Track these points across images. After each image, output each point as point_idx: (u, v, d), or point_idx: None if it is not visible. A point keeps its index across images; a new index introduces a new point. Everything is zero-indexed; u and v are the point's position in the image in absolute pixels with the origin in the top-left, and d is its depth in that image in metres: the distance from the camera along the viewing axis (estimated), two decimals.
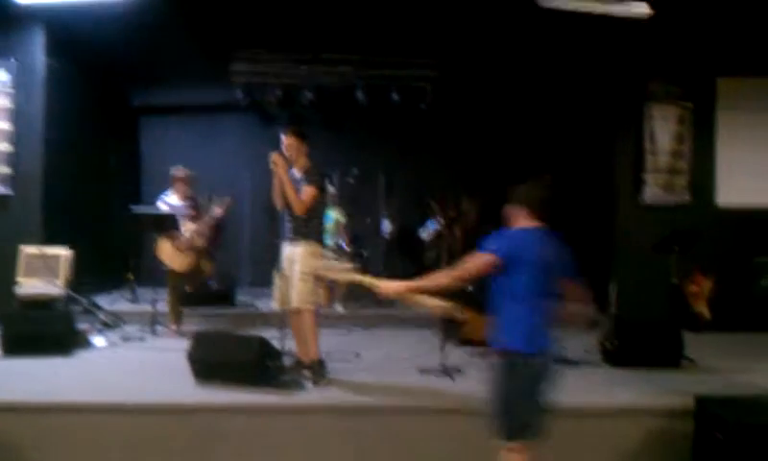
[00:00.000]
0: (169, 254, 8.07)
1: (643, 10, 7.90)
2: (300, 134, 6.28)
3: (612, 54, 9.31)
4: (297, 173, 6.19)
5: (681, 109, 9.31)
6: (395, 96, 10.45)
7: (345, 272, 4.15)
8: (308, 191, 6.08)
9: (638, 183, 9.19)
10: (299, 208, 6.06)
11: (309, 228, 6.15)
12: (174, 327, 8.06)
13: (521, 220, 4.12)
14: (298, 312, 6.08)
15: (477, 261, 3.91)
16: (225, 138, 11.56)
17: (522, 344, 3.89)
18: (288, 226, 6.23)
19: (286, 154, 6.17)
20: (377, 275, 10.00)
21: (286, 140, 6.21)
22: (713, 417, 4.96)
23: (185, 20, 8.91)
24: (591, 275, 9.23)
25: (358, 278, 4.08)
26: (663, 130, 9.30)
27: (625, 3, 7.90)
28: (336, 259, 4.12)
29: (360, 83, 10.48)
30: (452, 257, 7.63)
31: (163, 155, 11.03)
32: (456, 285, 3.94)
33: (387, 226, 10.48)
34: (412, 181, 11.17)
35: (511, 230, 4.09)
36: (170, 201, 8.23)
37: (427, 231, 9.96)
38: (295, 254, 6.11)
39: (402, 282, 3.96)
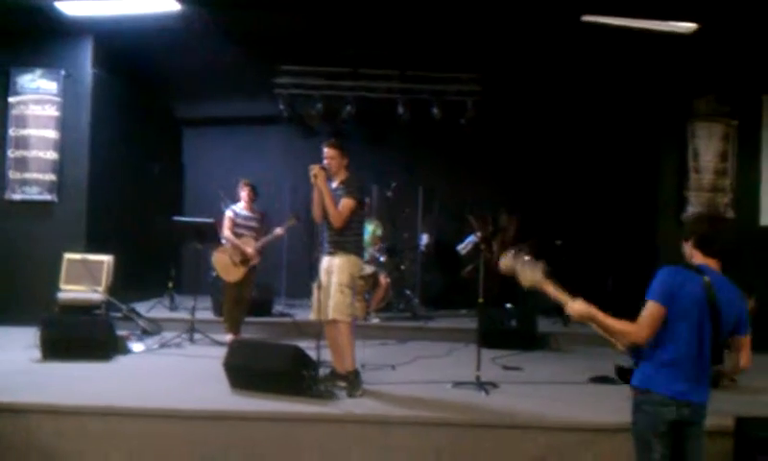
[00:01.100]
0: (224, 266, 8.16)
1: (688, 26, 7.83)
2: (341, 147, 6.27)
3: (656, 70, 9.21)
4: (336, 185, 6.19)
5: (725, 126, 9.19)
6: (435, 111, 10.46)
7: (535, 275, 4.04)
8: (346, 203, 6.07)
9: (681, 201, 9.07)
10: (336, 220, 6.04)
11: (347, 240, 6.14)
12: (230, 335, 8.09)
13: (696, 257, 3.87)
14: (334, 323, 6.07)
15: (647, 315, 3.66)
16: (266, 151, 11.68)
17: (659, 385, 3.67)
18: (326, 238, 6.22)
19: (327, 166, 6.17)
20: (413, 288, 10.10)
21: (327, 152, 6.22)
22: (753, 438, 4.86)
23: (230, 33, 9.04)
24: (633, 291, 9.18)
25: (550, 287, 3.99)
26: (708, 147, 9.18)
27: (668, 19, 7.84)
28: (531, 261, 4.02)
29: (401, 97, 10.51)
30: (489, 273, 7.59)
31: (206, 165, 11.21)
32: (632, 340, 3.71)
33: (425, 239, 10.48)
34: (450, 195, 11.17)
35: (672, 267, 3.79)
36: (237, 209, 8.33)
37: (465, 246, 9.94)
38: (333, 266, 6.10)
39: (589, 307, 3.84)
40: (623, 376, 3.72)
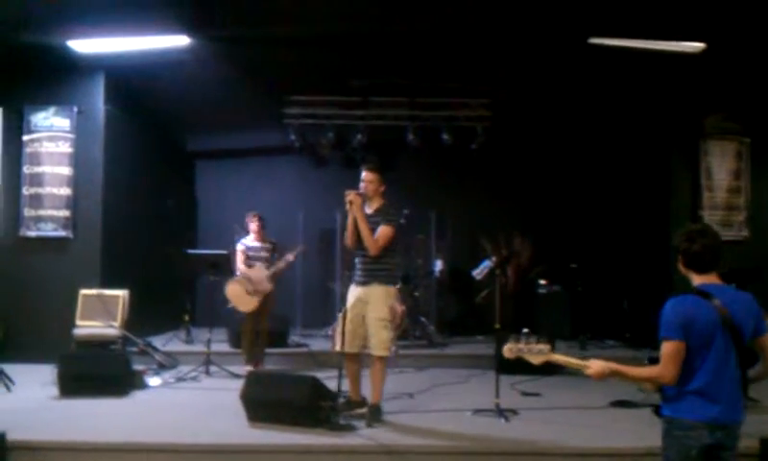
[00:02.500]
0: (238, 296, 8.17)
1: (695, 46, 7.83)
2: (381, 171, 6.20)
3: (667, 90, 9.21)
4: (371, 212, 6.12)
5: (738, 144, 9.17)
6: (445, 137, 10.48)
7: (542, 354, 3.99)
8: (384, 231, 6.00)
9: (696, 220, 9.02)
10: (373, 248, 5.97)
11: (382, 268, 6.08)
12: (248, 366, 8.06)
13: (693, 277, 3.67)
14: (378, 359, 6.00)
15: (668, 355, 3.51)
16: (278, 181, 11.74)
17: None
18: (360, 266, 6.13)
19: (364, 190, 6.11)
20: (428, 315, 10.05)
21: (366, 176, 6.14)
22: None
23: (240, 66, 9.11)
24: (648, 312, 9.11)
25: (561, 358, 3.92)
26: (720, 166, 9.16)
27: (676, 39, 7.85)
28: (533, 341, 3.96)
29: (411, 124, 10.54)
30: (504, 297, 7.57)
31: (219, 197, 11.25)
32: (661, 383, 3.59)
33: (438, 265, 10.45)
34: (463, 220, 11.15)
35: (678, 297, 3.61)
36: (247, 242, 8.37)
37: (480, 271, 9.89)
38: (369, 297, 6.02)
39: (608, 364, 3.76)
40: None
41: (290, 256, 8.46)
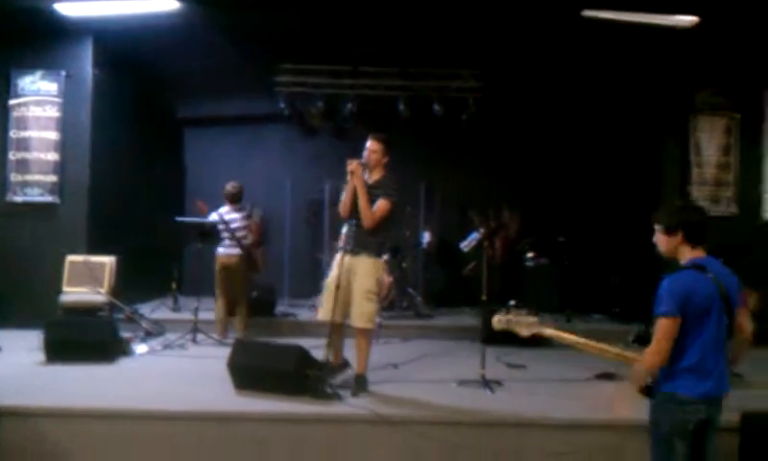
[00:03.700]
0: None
1: (688, 20, 7.81)
2: (387, 143, 6.16)
3: (658, 64, 9.19)
4: (371, 182, 6.08)
5: (728, 120, 9.17)
6: (436, 108, 10.44)
7: (531, 326, 3.97)
8: (382, 205, 5.97)
9: (684, 195, 9.05)
10: (368, 220, 5.94)
11: (374, 241, 6.05)
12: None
13: (685, 252, 3.70)
14: (361, 331, 6.01)
15: (664, 332, 3.52)
16: (267, 149, 11.68)
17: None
18: (350, 235, 6.07)
19: (366, 160, 6.08)
20: (415, 286, 10.07)
21: (371, 145, 6.10)
22: (760, 432, 4.84)
23: (230, 33, 9.03)
24: (635, 287, 9.18)
25: (551, 332, 3.91)
26: (710, 141, 9.17)
27: (669, 13, 7.82)
28: (521, 314, 3.93)
29: (402, 94, 10.49)
30: (491, 270, 7.58)
31: (207, 165, 11.21)
32: (657, 366, 3.60)
33: (426, 237, 10.45)
34: (452, 192, 11.15)
35: (675, 274, 3.62)
36: (223, 212, 8.32)
37: (468, 243, 9.91)
38: (357, 268, 6.00)
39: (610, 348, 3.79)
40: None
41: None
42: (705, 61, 9.04)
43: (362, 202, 5.93)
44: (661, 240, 3.76)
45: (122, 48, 9.26)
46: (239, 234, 8.22)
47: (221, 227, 8.19)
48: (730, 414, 5.16)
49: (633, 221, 9.85)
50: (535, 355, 7.80)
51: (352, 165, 5.95)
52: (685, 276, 3.59)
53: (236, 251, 8.19)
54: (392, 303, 9.54)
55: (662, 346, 3.52)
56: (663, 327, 3.52)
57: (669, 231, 3.71)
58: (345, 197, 6.09)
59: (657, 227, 3.78)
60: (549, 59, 9.53)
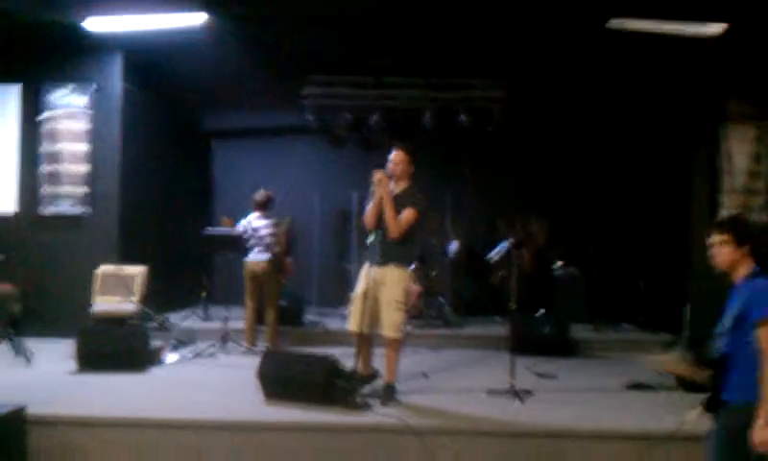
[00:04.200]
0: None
1: (716, 28, 7.75)
2: (411, 153, 6.17)
3: (687, 73, 9.11)
4: (396, 193, 6.07)
5: (758, 128, 9.06)
6: (462, 118, 10.43)
7: (684, 366, 3.89)
8: (409, 214, 5.96)
9: (714, 204, 8.96)
10: (395, 230, 5.93)
11: (402, 251, 6.05)
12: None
13: (746, 265, 3.67)
14: (391, 341, 6.02)
15: None
16: (294, 161, 11.73)
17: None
18: (378, 246, 6.05)
19: (391, 171, 6.08)
20: (444, 295, 10.06)
21: (395, 156, 6.11)
22: None
23: (257, 46, 9.09)
24: (666, 296, 9.09)
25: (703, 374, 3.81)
26: (740, 150, 9.05)
27: (697, 22, 7.77)
28: (672, 352, 3.85)
29: (427, 105, 10.50)
30: (520, 279, 7.57)
31: (234, 177, 11.29)
32: None
33: (454, 246, 10.44)
34: (479, 202, 11.12)
35: (762, 278, 3.59)
36: (252, 219, 8.39)
37: (497, 253, 9.90)
38: (385, 278, 6.01)
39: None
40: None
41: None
42: (733, 70, 8.94)
43: (388, 212, 5.93)
44: (725, 251, 3.70)
45: (150, 62, 9.38)
46: (267, 241, 8.27)
47: (249, 233, 8.25)
48: None
49: (662, 230, 9.81)
50: (565, 365, 7.78)
51: (378, 175, 5.98)
52: None
53: (265, 257, 8.23)
54: (420, 312, 9.53)
55: None
56: None
57: (739, 243, 3.67)
58: (370, 208, 6.09)
59: (721, 237, 3.72)
60: (575, 68, 9.48)
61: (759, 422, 3.41)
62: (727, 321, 3.60)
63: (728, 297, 3.83)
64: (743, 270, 3.67)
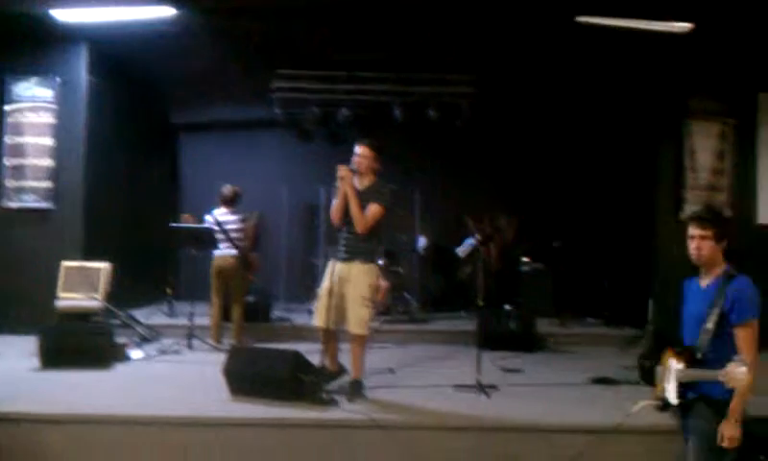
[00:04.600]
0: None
1: (682, 25, 7.83)
2: (376, 149, 6.13)
3: (652, 70, 9.21)
4: (361, 189, 6.04)
5: (722, 125, 9.19)
6: (431, 113, 10.44)
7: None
8: (374, 209, 5.94)
9: (678, 200, 9.07)
10: (361, 226, 5.92)
11: (367, 247, 6.04)
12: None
13: (720, 261, 3.75)
14: (356, 337, 6.01)
15: (756, 337, 3.55)
16: (263, 155, 11.68)
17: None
18: (344, 242, 6.07)
19: (356, 166, 6.04)
20: (411, 291, 10.08)
21: (361, 151, 6.07)
22: (755, 438, 4.84)
23: (225, 39, 9.02)
24: (631, 291, 9.19)
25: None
26: (704, 146, 9.19)
27: (664, 19, 7.84)
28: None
29: (396, 100, 10.49)
30: (487, 274, 7.62)
31: (202, 170, 11.19)
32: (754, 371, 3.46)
33: (422, 242, 10.45)
34: (448, 197, 11.14)
35: (743, 277, 3.65)
36: (218, 214, 8.30)
37: (464, 248, 9.91)
38: (350, 274, 6.00)
39: (730, 424, 3.54)
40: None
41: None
42: (699, 67, 9.06)
43: (353, 207, 5.92)
44: (709, 246, 3.71)
45: (117, 54, 9.27)
46: (234, 237, 8.20)
47: (216, 229, 8.18)
48: None
49: (626, 226, 9.91)
50: (530, 360, 7.84)
51: (342, 171, 5.95)
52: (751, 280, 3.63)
53: (232, 253, 8.18)
54: (388, 307, 9.53)
55: (757, 352, 3.52)
56: (756, 330, 3.54)
57: (719, 239, 3.71)
58: (335, 203, 6.07)
59: (704, 231, 3.72)
60: (544, 64, 9.53)
61: (731, 418, 3.51)
62: (710, 320, 3.60)
63: (686, 290, 3.87)
64: (719, 267, 3.72)
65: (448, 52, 9.67)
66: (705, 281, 3.77)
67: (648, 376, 6.51)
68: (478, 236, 9.36)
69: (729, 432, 3.52)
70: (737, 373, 3.27)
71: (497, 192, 10.89)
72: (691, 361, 3.64)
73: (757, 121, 9.20)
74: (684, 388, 3.66)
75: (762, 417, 5.20)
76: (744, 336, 3.52)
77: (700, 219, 3.76)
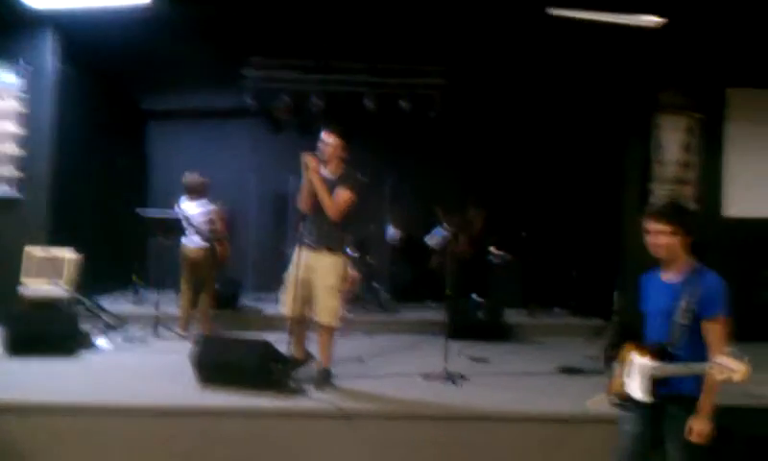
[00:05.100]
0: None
1: (653, 20, 7.89)
2: (342, 136, 6.06)
3: (622, 63, 9.29)
4: (329, 175, 5.99)
5: (690, 119, 9.29)
6: (403, 104, 10.43)
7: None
8: (344, 195, 5.89)
9: (645, 193, 9.16)
10: (333, 212, 5.86)
11: (336, 235, 6.00)
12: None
13: (683, 255, 3.72)
14: (325, 327, 5.99)
15: (725, 331, 3.56)
16: (233, 144, 11.56)
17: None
18: (312, 231, 6.02)
19: (321, 154, 5.97)
20: (381, 281, 10.08)
21: (327, 138, 6.00)
22: (717, 428, 4.91)
23: (196, 25, 8.91)
24: (598, 282, 9.27)
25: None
26: (672, 140, 9.28)
27: (634, 13, 7.90)
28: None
29: (369, 90, 10.47)
30: (458, 265, 7.62)
31: (171, 159, 11.07)
32: None
33: (392, 232, 10.45)
34: (418, 188, 11.12)
35: (713, 274, 3.65)
36: (185, 207, 8.21)
37: (434, 238, 9.94)
38: (318, 263, 5.96)
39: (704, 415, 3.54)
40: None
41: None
42: (668, 61, 9.14)
43: (321, 195, 5.87)
44: (665, 241, 3.68)
45: (85, 40, 9.08)
46: (202, 228, 8.12)
47: (183, 220, 8.09)
48: None
49: (595, 217, 9.99)
50: (498, 350, 7.89)
51: (307, 159, 5.89)
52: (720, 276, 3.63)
53: (202, 243, 8.10)
54: (357, 297, 9.52)
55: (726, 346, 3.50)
56: (727, 327, 3.55)
57: (679, 233, 3.68)
58: (302, 192, 6.03)
59: (660, 226, 3.70)
60: (514, 56, 9.57)
61: (701, 413, 3.53)
62: (681, 315, 3.58)
63: (646, 285, 3.89)
64: (682, 261, 3.71)
65: (421, 43, 9.66)
66: (668, 276, 3.75)
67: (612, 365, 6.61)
68: (447, 227, 9.41)
69: (698, 427, 3.53)
70: (733, 365, 3.27)
71: (467, 182, 10.88)
72: (662, 357, 3.62)
73: (725, 116, 9.30)
74: (655, 385, 3.64)
75: (729, 407, 5.28)
76: (715, 331, 3.54)
77: (656, 214, 3.75)
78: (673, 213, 3.75)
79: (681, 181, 9.26)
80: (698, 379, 3.53)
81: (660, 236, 3.68)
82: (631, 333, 6.92)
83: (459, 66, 10.19)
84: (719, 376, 3.32)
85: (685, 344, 3.58)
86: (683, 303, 3.58)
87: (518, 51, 9.39)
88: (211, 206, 8.27)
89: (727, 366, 3.27)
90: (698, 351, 3.53)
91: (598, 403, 3.76)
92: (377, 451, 5.26)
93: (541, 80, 10.02)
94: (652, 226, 3.72)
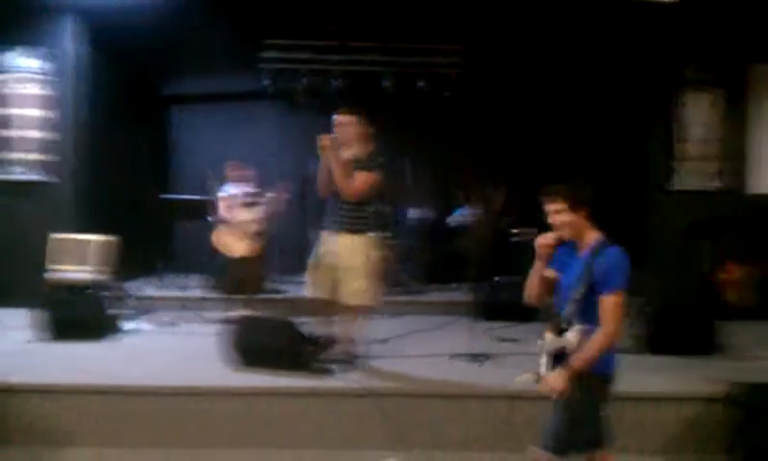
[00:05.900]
0: (226, 242, 8.14)
1: None
2: (357, 114, 5.97)
3: (644, 40, 9.20)
4: (350, 157, 5.88)
5: (712, 95, 9.20)
6: (420, 83, 10.40)
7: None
8: (362, 177, 5.79)
9: (669, 170, 9.11)
10: (348, 192, 5.78)
11: (361, 217, 5.91)
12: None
13: (589, 230, 3.76)
14: (352, 309, 5.98)
15: (622, 308, 3.56)
16: (253, 126, 11.56)
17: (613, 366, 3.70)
18: (334, 213, 5.95)
19: (337, 135, 5.89)
20: (404, 262, 10.08)
21: (342, 119, 5.93)
22: (744, 404, 4.94)
23: (215, 9, 8.94)
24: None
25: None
26: (695, 116, 9.21)
27: None
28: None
29: (386, 70, 10.44)
30: (479, 245, 7.60)
31: (192, 142, 11.10)
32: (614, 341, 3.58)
33: (414, 213, 10.44)
34: (437, 168, 11.11)
35: (615, 248, 3.68)
36: (229, 190, 8.29)
37: (455, 219, 9.93)
38: (341, 247, 5.91)
39: (561, 376, 3.57)
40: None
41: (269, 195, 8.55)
42: (690, 37, 9.05)
43: (338, 176, 5.76)
44: (570, 218, 3.71)
45: (107, 25, 9.10)
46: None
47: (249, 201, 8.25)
48: (716, 385, 5.32)
49: (618, 195, 9.93)
50: (525, 330, 7.85)
51: (324, 140, 5.80)
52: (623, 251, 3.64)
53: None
54: (385, 278, 9.50)
55: (620, 324, 3.54)
56: (622, 302, 3.54)
57: (574, 208, 3.70)
58: (319, 174, 5.96)
59: (557, 205, 3.73)
60: (532, 34, 9.51)
61: (563, 370, 3.56)
62: (579, 290, 3.59)
63: (564, 259, 3.85)
64: (588, 237, 3.72)
65: (438, 21, 9.62)
66: (579, 252, 3.76)
67: (641, 344, 6.61)
68: (470, 207, 9.38)
69: (553, 381, 3.58)
70: (570, 337, 3.49)
71: (488, 161, 10.83)
72: (558, 331, 3.65)
73: (747, 91, 9.22)
74: (555, 361, 3.65)
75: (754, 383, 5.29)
76: (608, 306, 3.52)
77: (550, 193, 3.78)
78: (564, 190, 3.77)
79: (703, 158, 9.20)
80: (605, 359, 3.60)
81: (558, 215, 3.72)
82: (659, 312, 6.90)
83: (476, 44, 10.13)
84: (568, 349, 3.51)
85: (579, 319, 3.58)
86: (581, 279, 3.59)
87: (536, 28, 9.32)
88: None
89: (568, 340, 3.51)
90: (592, 325, 3.55)
91: (524, 382, 3.78)
92: (402, 430, 5.28)
93: (561, 57, 9.94)
94: (549, 206, 3.76)
